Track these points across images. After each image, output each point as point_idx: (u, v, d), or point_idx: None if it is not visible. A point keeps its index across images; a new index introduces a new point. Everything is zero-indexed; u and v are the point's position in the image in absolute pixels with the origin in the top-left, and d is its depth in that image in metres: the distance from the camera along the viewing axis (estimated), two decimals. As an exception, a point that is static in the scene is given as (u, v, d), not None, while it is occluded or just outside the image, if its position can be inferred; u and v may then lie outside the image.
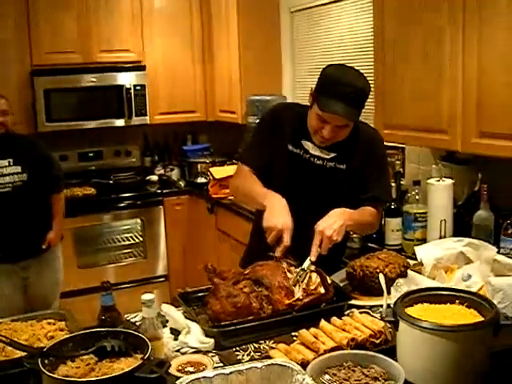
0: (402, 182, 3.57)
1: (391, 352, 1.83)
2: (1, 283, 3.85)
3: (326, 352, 1.87)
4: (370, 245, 3.35)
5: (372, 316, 2.20)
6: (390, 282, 2.37)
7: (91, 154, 5.76)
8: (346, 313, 2.25)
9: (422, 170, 3.61)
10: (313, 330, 2.03)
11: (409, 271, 2.48)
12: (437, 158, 3.42)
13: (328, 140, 2.49)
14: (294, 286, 2.24)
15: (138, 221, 5.47)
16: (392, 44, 3.18)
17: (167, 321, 2.18)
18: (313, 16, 4.83)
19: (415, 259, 2.65)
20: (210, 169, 5.20)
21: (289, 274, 2.27)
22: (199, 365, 1.90)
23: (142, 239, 5.50)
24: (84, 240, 5.23)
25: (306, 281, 2.25)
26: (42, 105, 5.11)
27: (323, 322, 2.07)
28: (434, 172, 3.23)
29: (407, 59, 3.07)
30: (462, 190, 3.21)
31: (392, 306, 1.88)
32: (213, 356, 1.99)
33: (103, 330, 1.87)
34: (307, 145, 2.59)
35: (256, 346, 2.07)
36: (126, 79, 5.39)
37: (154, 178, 5.84)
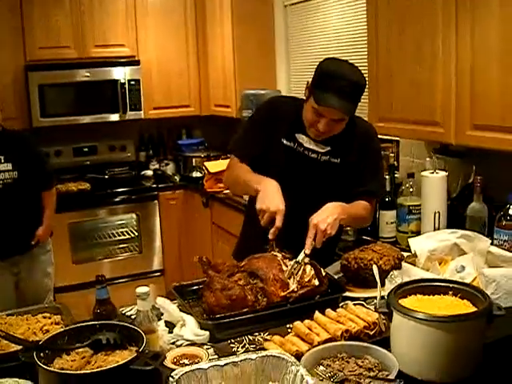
0: (396, 175, 3.58)
1: (385, 343, 1.84)
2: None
3: (320, 344, 1.88)
4: (364, 237, 3.36)
5: (366, 308, 2.21)
6: (384, 273, 2.37)
7: (86, 149, 5.74)
8: (340, 305, 2.26)
9: (416, 163, 3.62)
10: (307, 321, 2.04)
11: (403, 263, 2.49)
12: (431, 150, 3.43)
13: (323, 133, 2.49)
14: (289, 278, 2.24)
15: (133, 215, 5.47)
16: (386, 37, 3.18)
17: (162, 314, 2.18)
18: (307, 9, 4.82)
19: (409, 251, 2.65)
20: (205, 163, 5.20)
21: (284, 267, 2.28)
22: (194, 357, 1.91)
23: (137, 234, 5.50)
24: (79, 235, 5.23)
25: (300, 273, 2.26)
26: (37, 100, 5.09)
27: (317, 314, 2.08)
28: (427, 165, 3.24)
29: (401, 52, 3.08)
30: (456, 183, 3.21)
31: (386, 297, 1.89)
32: (208, 348, 2.00)
33: (98, 323, 1.87)
34: (302, 138, 2.60)
35: (251, 338, 2.08)
36: (121, 74, 5.38)
37: (149, 172, 5.84)
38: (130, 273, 5.34)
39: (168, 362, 1.85)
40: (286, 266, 2.29)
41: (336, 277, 2.53)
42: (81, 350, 1.77)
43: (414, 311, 1.73)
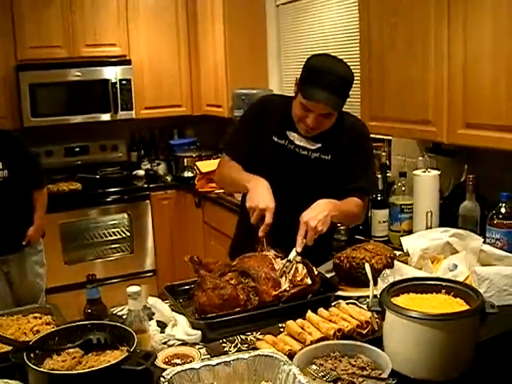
0: (388, 174, 3.58)
1: (378, 342, 1.83)
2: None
3: (312, 343, 1.87)
4: (356, 236, 3.35)
5: (359, 307, 2.20)
6: (376, 272, 2.37)
7: (77, 149, 5.72)
8: (332, 304, 2.25)
9: (408, 162, 3.61)
10: (300, 321, 2.03)
11: (395, 262, 2.48)
12: (423, 149, 3.43)
13: (312, 129, 2.49)
14: (281, 277, 2.24)
15: (125, 215, 5.45)
16: (378, 36, 3.18)
17: (153, 313, 2.17)
18: (298, 9, 4.82)
19: (402, 250, 2.65)
20: (197, 163, 5.19)
21: (275, 266, 2.27)
22: (186, 357, 1.90)
23: (129, 234, 5.49)
24: (70, 235, 5.20)
25: (292, 272, 2.25)
26: (28, 100, 5.06)
27: (310, 313, 2.07)
28: (420, 164, 3.24)
29: (393, 51, 3.07)
30: (448, 182, 3.22)
31: (379, 296, 1.88)
32: (200, 348, 1.99)
33: (89, 322, 1.86)
34: (292, 135, 2.60)
35: (243, 337, 2.07)
36: (112, 74, 5.36)
37: (141, 172, 5.81)
38: (121, 273, 5.31)
39: (159, 362, 1.84)
40: (278, 265, 2.28)
41: (328, 276, 2.52)
42: (72, 350, 1.75)
43: (406, 310, 1.73)
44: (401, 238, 2.70)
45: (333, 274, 2.59)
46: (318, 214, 2.36)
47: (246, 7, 5.14)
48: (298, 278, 2.24)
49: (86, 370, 1.63)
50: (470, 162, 3.07)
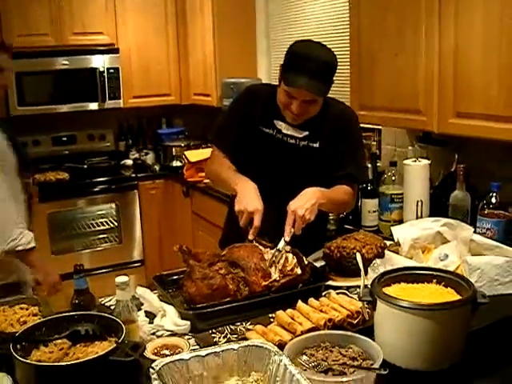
0: (378, 164, 3.57)
1: (369, 332, 1.82)
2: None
3: (303, 333, 1.85)
4: (346, 226, 3.34)
5: (349, 297, 2.19)
6: (367, 262, 2.35)
7: (64, 139, 5.69)
8: (323, 294, 2.24)
9: (398, 152, 3.60)
10: (290, 311, 2.02)
11: (386, 251, 2.47)
12: (413, 139, 3.42)
13: (298, 116, 2.48)
14: (271, 267, 2.22)
15: (113, 205, 5.42)
16: (368, 24, 3.16)
17: (142, 304, 2.15)
18: (288, -3, 4.79)
19: (392, 240, 2.64)
20: (185, 152, 5.17)
21: (265, 256, 2.26)
22: (175, 348, 1.88)
23: (116, 224, 5.46)
24: (58, 225, 5.16)
25: (282, 262, 2.24)
26: (14, 88, 5.00)
27: (300, 303, 2.06)
28: (409, 153, 3.23)
29: (383, 40, 3.05)
30: (439, 171, 3.21)
31: (369, 286, 1.87)
32: (189, 339, 1.97)
33: (77, 313, 1.84)
34: (280, 124, 2.59)
35: (233, 327, 2.05)
36: (100, 62, 5.32)
37: (129, 162, 5.78)
38: (110, 263, 5.28)
39: (148, 353, 1.82)
40: (268, 255, 2.27)
41: (318, 265, 2.51)
42: (59, 341, 1.74)
43: (398, 299, 1.71)
44: (391, 228, 2.69)
45: (322, 263, 2.57)
46: (305, 202, 2.35)
47: (234, -4, 5.11)
48: (288, 268, 2.23)
49: (74, 362, 1.61)
50: (460, 151, 3.06)
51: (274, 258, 2.24)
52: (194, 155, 5.01)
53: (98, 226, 5.45)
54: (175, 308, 2.11)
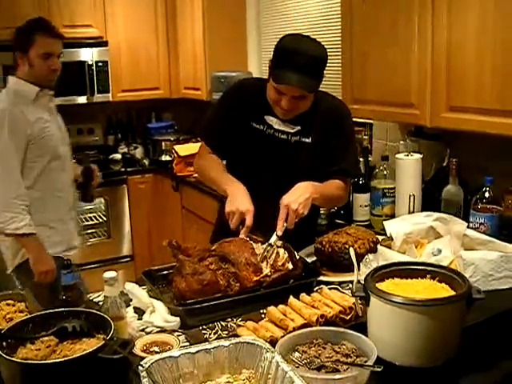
0: (369, 158, 3.55)
1: (362, 328, 1.79)
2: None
3: (295, 329, 1.83)
4: (337, 221, 3.33)
5: (341, 292, 2.16)
6: (359, 257, 2.33)
7: (53, 132, 5.62)
8: (315, 289, 2.21)
9: (390, 146, 3.59)
10: (281, 306, 1.99)
11: (378, 246, 2.44)
12: (404, 133, 3.40)
13: (289, 111, 2.46)
14: (262, 262, 2.19)
15: (102, 200, 5.37)
16: (360, 18, 3.13)
17: (131, 300, 2.12)
18: (278, -10, 4.75)
19: (384, 235, 2.61)
20: (175, 146, 5.15)
21: (256, 250, 2.23)
22: (165, 344, 1.85)
23: (105, 219, 5.43)
24: (46, 220, 5.10)
25: (273, 256, 2.21)
26: (2, 81, 4.95)
27: (292, 299, 2.03)
28: (401, 148, 3.21)
29: (375, 33, 3.03)
30: (431, 166, 3.19)
31: (362, 281, 1.84)
32: (179, 335, 1.94)
33: (64, 310, 1.80)
34: (270, 120, 2.56)
35: (223, 324, 2.02)
36: (88, 55, 5.28)
37: (118, 156, 5.75)
38: (98, 258, 5.24)
39: (137, 350, 1.79)
40: (259, 250, 2.24)
41: (310, 260, 2.48)
42: (46, 338, 1.70)
43: (391, 295, 1.69)
44: (384, 222, 2.66)
45: (314, 258, 2.55)
46: (298, 196, 2.33)
47: (225, -11, 5.07)
48: (280, 263, 2.20)
49: (61, 359, 1.58)
50: (453, 145, 3.06)
51: (265, 253, 2.22)
52: (184, 149, 4.98)
53: (87, 220, 5.41)
54: (165, 304, 2.07)
